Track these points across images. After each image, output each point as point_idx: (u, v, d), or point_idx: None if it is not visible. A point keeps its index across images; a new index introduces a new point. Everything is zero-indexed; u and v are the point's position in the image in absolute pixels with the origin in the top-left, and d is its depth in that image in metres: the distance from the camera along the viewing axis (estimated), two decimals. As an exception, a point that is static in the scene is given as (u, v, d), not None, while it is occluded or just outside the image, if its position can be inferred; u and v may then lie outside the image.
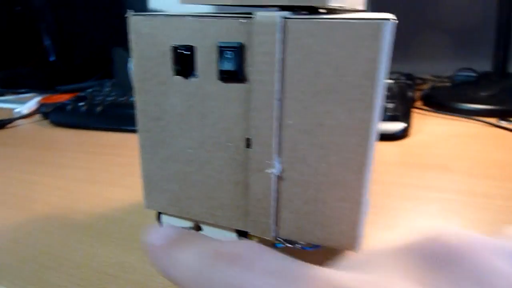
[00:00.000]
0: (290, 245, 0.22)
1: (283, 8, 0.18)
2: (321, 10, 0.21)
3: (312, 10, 0.20)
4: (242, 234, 0.22)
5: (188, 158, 0.21)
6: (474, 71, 0.66)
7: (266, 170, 0.19)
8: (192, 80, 0.19)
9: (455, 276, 0.12)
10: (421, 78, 0.80)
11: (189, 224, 0.23)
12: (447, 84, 0.71)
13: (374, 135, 0.17)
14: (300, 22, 0.17)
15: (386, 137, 0.46)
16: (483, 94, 0.59)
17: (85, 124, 0.56)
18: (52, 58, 0.82)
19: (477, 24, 0.81)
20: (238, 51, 0.18)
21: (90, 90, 0.66)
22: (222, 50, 0.18)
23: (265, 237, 0.20)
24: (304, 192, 0.19)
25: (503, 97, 0.58)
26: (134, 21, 0.19)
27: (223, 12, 0.19)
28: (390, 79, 0.64)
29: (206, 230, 0.23)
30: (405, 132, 0.46)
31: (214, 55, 0.18)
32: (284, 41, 0.17)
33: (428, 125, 0.52)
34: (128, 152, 0.45)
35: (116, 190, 0.35)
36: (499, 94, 0.59)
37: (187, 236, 0.17)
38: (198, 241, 0.17)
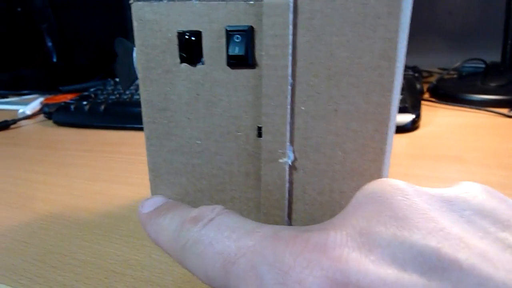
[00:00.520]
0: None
1: None
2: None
3: None
4: (254, 228, 0.21)
5: (196, 149, 0.20)
6: (482, 61, 0.65)
7: (279, 160, 0.18)
8: (199, 67, 0.18)
9: (380, 213, 0.14)
10: (427, 71, 0.79)
11: (198, 219, 0.22)
12: (454, 75, 0.69)
13: (393, 120, 0.17)
14: (313, 2, 0.16)
15: (395, 129, 0.45)
16: (492, 84, 0.58)
17: (88, 123, 0.55)
18: (54, 59, 0.81)
19: (485, 14, 0.80)
20: (247, 34, 0.17)
21: (93, 89, 0.65)
22: (230, 34, 0.17)
23: (278, 230, 0.20)
24: (318, 182, 0.18)
25: (513, 87, 0.57)
26: (137, 7, 0.19)
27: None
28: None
29: (216, 224, 0.22)
30: (415, 124, 0.45)
31: (222, 40, 0.18)
32: (295, 22, 0.16)
33: (437, 116, 0.51)
34: (133, 150, 0.44)
35: (121, 188, 0.34)
36: (508, 84, 0.57)
37: (171, 205, 0.19)
38: (179, 208, 0.18)
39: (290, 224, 0.19)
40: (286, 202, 0.19)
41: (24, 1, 0.79)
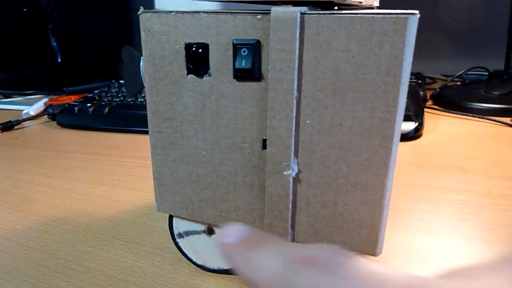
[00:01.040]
0: (306, 249, 0.21)
1: (296, 4, 0.18)
2: (335, 8, 0.20)
3: (327, 6, 0.19)
4: (257, 237, 0.21)
5: (201, 159, 0.20)
6: (485, 69, 0.65)
7: (284, 172, 0.18)
8: (206, 79, 0.19)
9: None
10: (430, 78, 0.79)
11: (202, 227, 0.22)
12: (458, 83, 0.69)
13: (397, 136, 0.17)
14: (320, 17, 0.16)
15: (398, 137, 0.45)
16: (495, 93, 0.58)
17: (92, 126, 0.55)
18: (59, 59, 0.82)
19: (488, 23, 0.80)
20: (254, 48, 0.17)
21: (97, 91, 0.66)
22: (237, 47, 0.17)
23: (281, 241, 0.20)
24: (322, 195, 0.18)
25: (516, 96, 0.57)
26: (146, 18, 0.19)
27: (238, 9, 0.18)
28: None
29: (219, 233, 0.22)
30: (417, 132, 0.45)
31: (228, 53, 0.18)
32: (302, 38, 0.16)
33: (440, 124, 0.51)
34: (136, 154, 0.45)
35: (124, 192, 0.35)
36: (511, 93, 0.57)
37: (263, 237, 0.17)
38: (277, 243, 0.16)
39: (293, 235, 0.19)
40: (290, 214, 0.19)
41: (30, 1, 0.79)
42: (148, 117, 0.21)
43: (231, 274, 0.23)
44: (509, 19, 0.60)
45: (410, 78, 0.64)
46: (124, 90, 0.62)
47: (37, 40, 0.81)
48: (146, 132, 0.21)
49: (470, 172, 0.36)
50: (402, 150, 0.42)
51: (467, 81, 0.69)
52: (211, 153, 0.20)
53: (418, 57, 0.89)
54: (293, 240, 0.20)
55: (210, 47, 0.18)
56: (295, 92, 0.17)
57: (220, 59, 0.18)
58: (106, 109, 0.56)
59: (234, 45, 0.17)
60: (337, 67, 0.16)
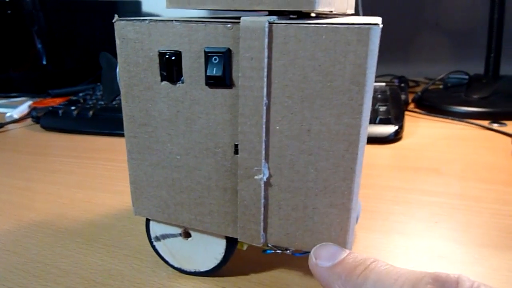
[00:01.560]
0: (279, 251, 0.21)
1: (272, 13, 0.18)
2: (312, 15, 0.21)
3: (302, 15, 0.20)
4: (232, 240, 0.22)
5: (176, 164, 0.21)
6: (466, 73, 0.66)
7: (255, 177, 0.19)
8: (179, 85, 0.19)
9: None
10: (414, 81, 0.80)
11: (178, 230, 0.23)
12: (440, 86, 0.71)
13: (363, 141, 0.17)
14: (286, 27, 0.16)
15: (378, 140, 0.46)
16: (475, 96, 0.60)
17: (76, 129, 0.55)
18: (44, 62, 0.81)
19: (470, 27, 0.81)
20: (225, 56, 0.18)
21: (82, 94, 0.66)
22: (208, 55, 0.18)
23: (254, 244, 0.20)
24: (292, 198, 0.19)
25: (495, 99, 0.58)
26: (120, 26, 0.19)
27: (210, 17, 0.18)
28: (383, 81, 0.64)
29: (195, 236, 0.22)
30: (397, 135, 0.46)
31: (201, 60, 0.18)
32: (270, 46, 0.17)
33: (420, 127, 0.52)
34: (120, 157, 0.45)
35: (106, 196, 0.35)
36: (490, 96, 0.59)
37: (360, 261, 0.17)
38: (380, 269, 0.17)
39: (266, 238, 0.20)
40: (262, 217, 0.19)
41: (15, 3, 0.78)
42: (124, 122, 0.21)
43: (207, 276, 0.23)
44: (489, 23, 0.61)
45: (392, 83, 0.65)
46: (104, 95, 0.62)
47: (22, 43, 0.81)
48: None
49: (445, 175, 0.37)
50: (382, 153, 0.43)
51: (448, 84, 0.70)
52: (185, 158, 0.20)
53: (402, 61, 0.90)
54: (266, 242, 0.20)
55: (183, 55, 0.19)
56: (265, 99, 0.17)
57: (193, 67, 0.19)
58: (91, 112, 0.56)
59: (206, 53, 0.18)
60: (305, 75, 0.17)
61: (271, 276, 0.23)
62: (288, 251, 0.21)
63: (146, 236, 0.24)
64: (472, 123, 0.52)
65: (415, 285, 0.15)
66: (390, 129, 0.46)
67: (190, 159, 0.20)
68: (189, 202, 0.21)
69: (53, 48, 0.81)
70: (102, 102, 0.60)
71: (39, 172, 0.41)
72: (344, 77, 0.16)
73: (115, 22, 0.19)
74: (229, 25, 0.17)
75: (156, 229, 0.23)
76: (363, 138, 0.17)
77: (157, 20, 0.19)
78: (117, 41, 0.20)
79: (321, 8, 0.18)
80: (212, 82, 0.18)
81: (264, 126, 0.18)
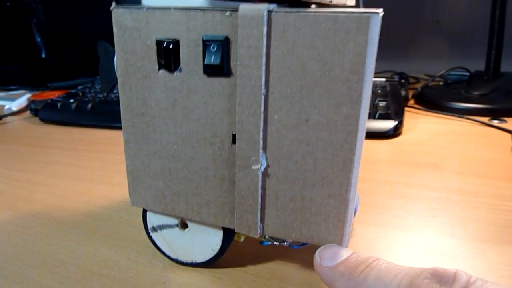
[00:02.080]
0: (277, 243, 0.21)
1: (271, 1, 0.18)
2: (312, 6, 0.21)
3: (301, 4, 0.20)
4: (229, 231, 0.21)
5: (173, 154, 0.20)
6: (466, 70, 0.66)
7: (252, 167, 0.18)
8: (177, 74, 0.19)
9: None
10: (414, 77, 0.80)
11: (175, 221, 0.23)
12: (440, 83, 0.71)
13: (361, 132, 0.17)
14: (285, 15, 0.16)
15: (378, 135, 0.46)
16: (475, 93, 0.59)
17: (75, 121, 0.55)
18: (43, 55, 0.81)
19: (471, 23, 0.81)
20: (223, 44, 0.17)
21: (81, 87, 0.65)
22: (207, 43, 0.18)
23: (251, 235, 0.20)
24: (290, 189, 0.19)
25: (495, 96, 0.58)
26: (118, 13, 0.19)
27: (210, 5, 0.18)
28: (383, 77, 0.64)
29: (192, 227, 0.22)
30: (396, 130, 0.46)
31: (199, 49, 0.18)
32: (269, 35, 0.17)
33: (420, 123, 0.52)
34: (118, 150, 0.45)
35: (104, 188, 0.35)
36: (491, 93, 0.59)
37: (363, 259, 0.17)
38: (382, 267, 0.17)
39: (262, 229, 0.20)
40: (259, 208, 0.19)
41: (14, -4, 0.78)
42: (121, 112, 0.21)
43: (203, 267, 0.23)
44: (490, 20, 0.61)
45: (392, 78, 0.65)
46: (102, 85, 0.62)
47: (21, 35, 0.81)
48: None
49: (444, 170, 0.37)
50: (381, 148, 0.43)
51: (449, 81, 0.70)
52: (182, 148, 0.20)
53: (402, 57, 0.90)
54: (263, 234, 0.20)
55: (181, 43, 0.18)
56: (263, 88, 0.17)
57: (191, 55, 0.18)
58: (89, 105, 0.56)
59: (204, 41, 0.18)
60: (303, 64, 0.17)
61: (268, 268, 0.23)
62: (285, 243, 0.21)
63: (143, 227, 0.24)
64: (472, 120, 0.52)
65: (414, 280, 0.15)
66: (389, 124, 0.46)
67: (187, 149, 0.20)
68: (186, 192, 0.21)
69: (52, 41, 0.81)
70: (101, 95, 0.60)
71: (38, 164, 0.41)
72: (343, 66, 0.16)
73: (112, 9, 0.19)
74: (227, 13, 0.17)
75: (153, 219, 0.23)
76: (362, 129, 0.17)
77: (155, 8, 0.18)
78: (115, 29, 0.19)
79: None
80: (210, 70, 0.18)
81: (262, 115, 0.18)
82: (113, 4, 0.19)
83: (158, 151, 0.21)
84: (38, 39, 0.79)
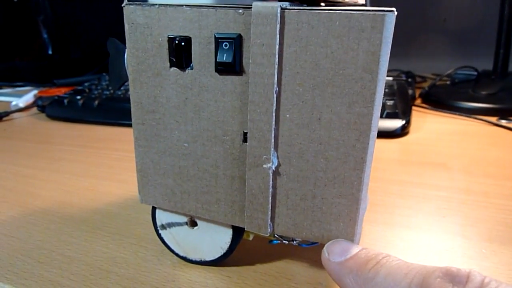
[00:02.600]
0: (286, 242, 0.21)
1: None
2: (322, 4, 0.21)
3: (312, 3, 0.19)
4: (238, 230, 0.21)
5: (184, 151, 0.20)
6: (474, 69, 0.66)
7: (264, 165, 0.18)
8: (188, 72, 0.19)
9: None
10: (421, 76, 0.80)
11: (184, 219, 0.23)
12: (447, 82, 0.70)
13: (374, 131, 0.17)
14: (299, 13, 0.16)
15: (385, 134, 0.46)
16: (483, 92, 0.59)
17: (81, 118, 0.55)
18: (50, 51, 0.81)
19: (478, 22, 0.81)
20: (236, 42, 0.17)
21: (87, 84, 0.65)
22: (219, 41, 0.18)
23: (261, 234, 0.20)
24: (301, 188, 0.19)
25: (503, 96, 0.58)
26: (129, 10, 0.19)
27: (221, 3, 0.18)
28: (390, 76, 0.63)
29: (202, 225, 0.22)
30: (404, 130, 0.46)
31: (211, 46, 0.18)
32: (282, 33, 0.17)
33: (427, 123, 0.52)
34: (125, 147, 0.45)
35: (111, 185, 0.35)
36: (499, 92, 0.58)
37: (372, 255, 0.17)
38: (392, 264, 0.16)
39: (273, 228, 0.20)
40: (270, 206, 0.19)
41: (21, -8, 0.78)
42: (132, 109, 0.21)
43: (212, 265, 0.23)
44: (499, 19, 0.61)
45: (400, 77, 0.65)
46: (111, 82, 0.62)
47: (28, 32, 0.81)
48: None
49: (453, 170, 0.36)
50: (389, 147, 0.43)
51: (456, 80, 0.69)
52: (193, 146, 0.20)
53: (409, 56, 0.89)
54: (273, 232, 0.20)
55: (193, 41, 0.18)
56: (275, 86, 0.17)
57: (202, 53, 0.18)
58: (96, 102, 0.56)
59: (216, 38, 0.18)
60: (316, 62, 0.17)
61: (277, 267, 0.23)
62: (294, 242, 0.21)
63: (151, 224, 0.24)
64: (480, 119, 0.52)
65: (426, 278, 0.15)
66: (397, 123, 0.46)
67: (197, 147, 0.20)
68: (196, 190, 0.21)
69: (59, 38, 0.81)
70: (108, 92, 0.60)
71: (44, 160, 0.41)
72: (357, 64, 0.16)
73: (124, 6, 0.19)
74: (240, 10, 0.17)
75: (162, 217, 0.23)
76: (375, 128, 0.17)
77: (167, 4, 0.18)
78: (126, 26, 0.19)
79: None
80: (222, 68, 0.18)
81: (274, 114, 0.18)
82: (125, 1, 0.19)
83: (169, 148, 0.21)
84: (45, 36, 0.80)
